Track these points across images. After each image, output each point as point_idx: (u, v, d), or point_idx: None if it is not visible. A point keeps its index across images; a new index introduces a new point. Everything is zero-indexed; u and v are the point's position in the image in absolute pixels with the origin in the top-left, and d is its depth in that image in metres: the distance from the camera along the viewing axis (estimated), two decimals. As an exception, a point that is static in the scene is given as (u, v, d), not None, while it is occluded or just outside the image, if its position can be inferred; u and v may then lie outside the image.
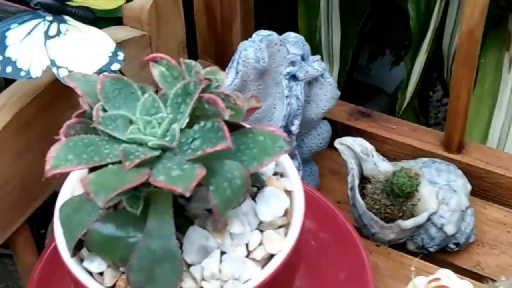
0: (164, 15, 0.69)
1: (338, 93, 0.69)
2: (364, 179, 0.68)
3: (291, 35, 0.68)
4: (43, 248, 0.62)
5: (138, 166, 0.42)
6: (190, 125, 0.45)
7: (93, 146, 0.44)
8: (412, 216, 0.64)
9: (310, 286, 0.59)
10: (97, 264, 0.46)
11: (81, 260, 0.47)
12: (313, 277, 0.59)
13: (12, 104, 0.58)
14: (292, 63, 0.66)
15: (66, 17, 0.59)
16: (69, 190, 0.51)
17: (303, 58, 0.67)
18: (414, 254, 0.66)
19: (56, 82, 0.58)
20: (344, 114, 0.77)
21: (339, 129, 0.75)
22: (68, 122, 0.45)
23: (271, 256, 0.47)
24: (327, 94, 0.69)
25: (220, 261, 0.46)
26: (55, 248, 0.48)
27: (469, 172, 0.70)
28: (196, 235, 0.46)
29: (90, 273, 0.47)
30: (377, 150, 0.68)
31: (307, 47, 0.68)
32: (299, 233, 0.48)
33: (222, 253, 0.46)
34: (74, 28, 0.59)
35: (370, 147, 0.68)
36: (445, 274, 0.56)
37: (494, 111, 0.85)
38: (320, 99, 0.69)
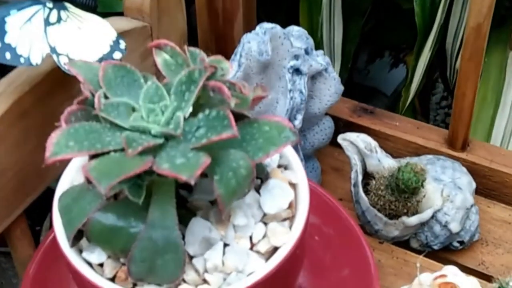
0: (165, 6, 0.68)
1: (342, 88, 0.68)
2: (367, 176, 0.67)
3: (294, 29, 0.67)
4: (39, 244, 0.61)
5: (141, 154, 0.41)
6: (194, 113, 0.44)
7: (94, 133, 0.43)
8: (417, 212, 0.64)
9: (314, 281, 0.58)
10: (97, 255, 0.45)
11: (80, 251, 0.46)
12: (316, 272, 0.58)
13: (10, 93, 0.57)
14: (296, 57, 0.65)
15: (67, 4, 0.58)
16: (69, 179, 0.50)
17: (306, 52, 0.66)
18: (417, 252, 0.65)
19: (55, 72, 0.57)
20: (347, 111, 0.76)
21: (342, 126, 0.74)
22: (69, 109, 0.44)
23: (275, 249, 0.46)
24: (330, 88, 0.68)
25: (223, 253, 0.45)
26: (52, 242, 0.47)
27: (473, 170, 0.69)
28: (199, 226, 0.45)
29: (90, 264, 0.46)
30: (380, 147, 0.68)
31: (311, 41, 0.67)
32: (304, 226, 0.47)
33: (225, 245, 0.45)
34: (75, 16, 0.58)
35: (373, 143, 0.67)
36: (451, 271, 0.55)
37: (498, 111, 0.84)
38: (323, 93, 0.68)
